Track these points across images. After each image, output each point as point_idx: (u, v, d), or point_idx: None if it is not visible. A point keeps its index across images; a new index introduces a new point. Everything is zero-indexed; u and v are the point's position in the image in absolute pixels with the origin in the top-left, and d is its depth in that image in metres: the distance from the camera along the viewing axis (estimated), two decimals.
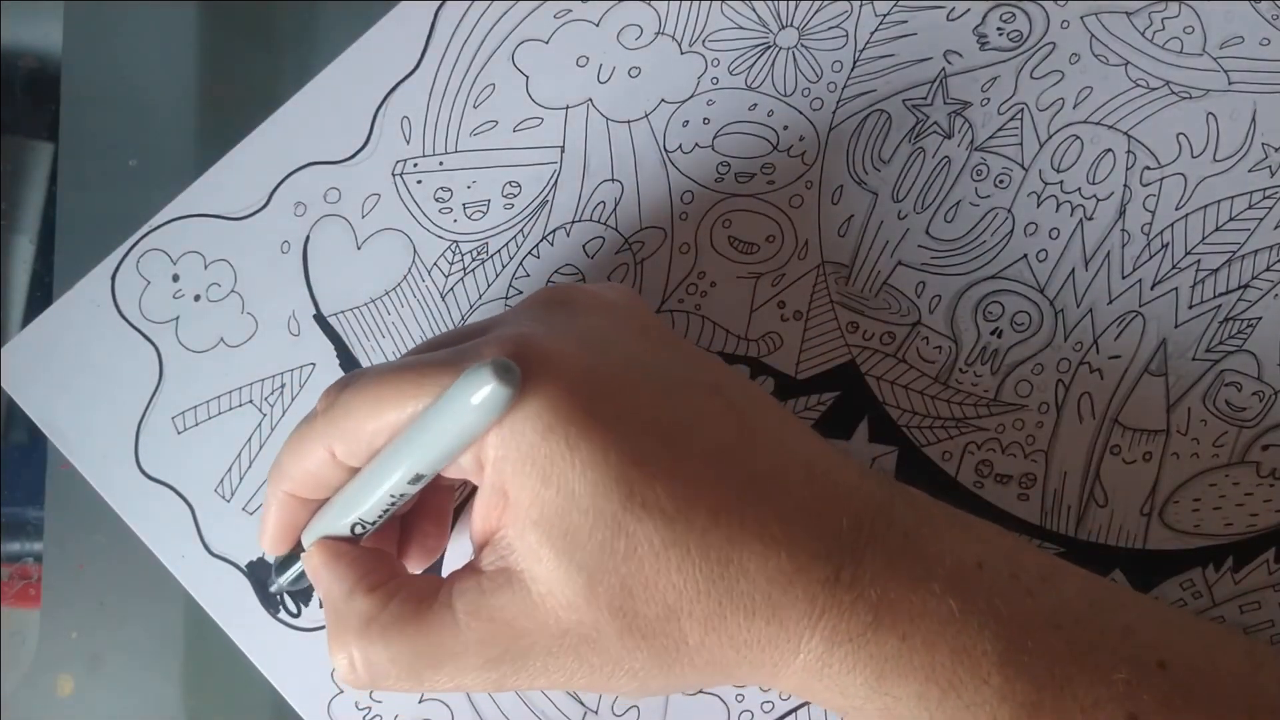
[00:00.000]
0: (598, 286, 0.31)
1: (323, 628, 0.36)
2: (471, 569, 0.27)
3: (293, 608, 0.36)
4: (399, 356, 0.36)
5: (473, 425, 0.25)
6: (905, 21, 0.36)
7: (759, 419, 0.28)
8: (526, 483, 0.25)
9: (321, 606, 0.33)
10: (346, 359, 0.37)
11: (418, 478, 0.27)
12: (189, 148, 0.40)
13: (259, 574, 0.36)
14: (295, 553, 0.31)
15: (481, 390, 0.24)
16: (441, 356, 0.27)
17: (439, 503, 0.32)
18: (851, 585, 0.26)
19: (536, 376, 0.25)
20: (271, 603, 0.36)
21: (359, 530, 0.29)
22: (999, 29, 0.36)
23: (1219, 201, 0.34)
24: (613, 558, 0.25)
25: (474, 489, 0.29)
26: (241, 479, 0.37)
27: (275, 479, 0.29)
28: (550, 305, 0.29)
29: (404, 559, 0.32)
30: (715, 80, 0.37)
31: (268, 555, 0.32)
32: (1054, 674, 0.25)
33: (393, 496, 0.27)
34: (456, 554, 0.35)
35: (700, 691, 0.34)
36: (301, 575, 0.31)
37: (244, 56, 0.41)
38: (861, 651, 0.26)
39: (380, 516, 0.28)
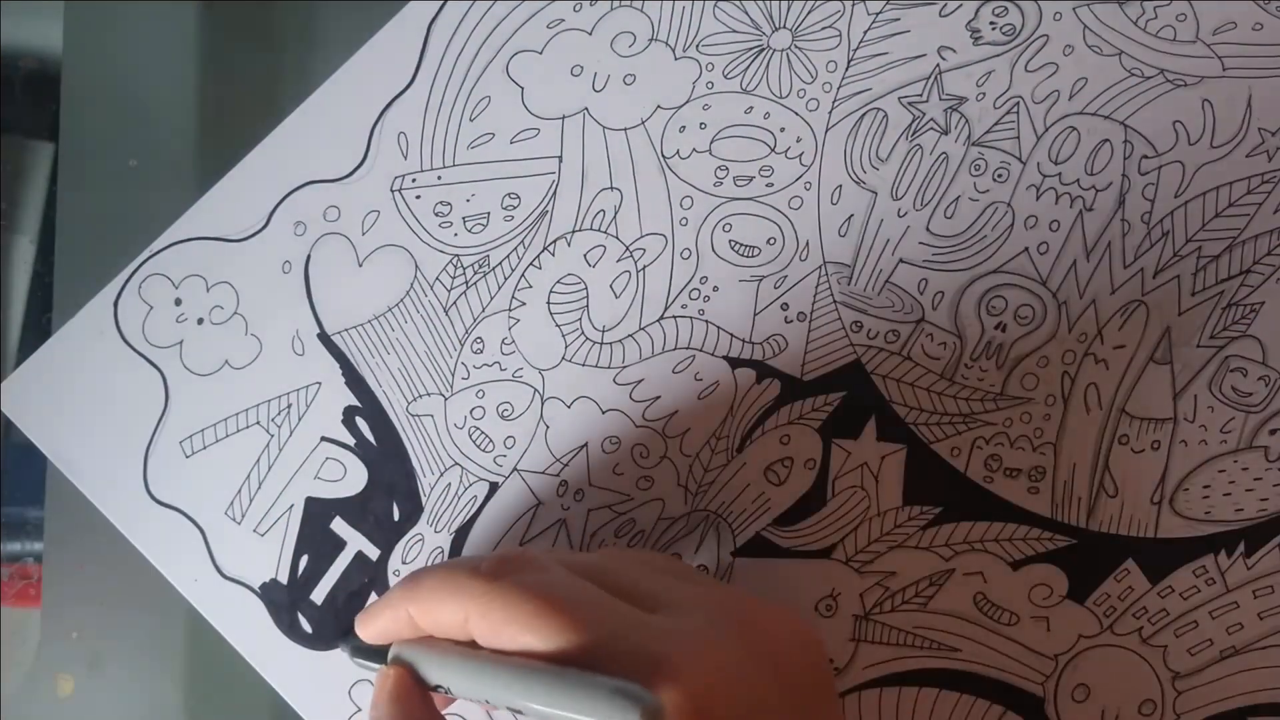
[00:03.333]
0: (797, 630, 0.30)
1: (337, 648, 0.36)
2: None
3: (307, 628, 0.36)
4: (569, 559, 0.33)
5: None
6: (898, 19, 0.36)
7: None
8: None
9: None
10: (352, 377, 0.37)
11: (517, 714, 0.26)
12: (189, 148, 0.40)
13: (272, 595, 0.36)
14: (379, 650, 0.30)
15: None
16: (624, 647, 0.26)
17: None
18: None
19: None
20: (285, 622, 0.36)
21: (442, 690, 0.28)
22: (991, 23, 0.36)
23: (1218, 188, 0.34)
24: None
25: None
26: (251, 500, 0.37)
27: (408, 597, 0.29)
28: (758, 653, 0.28)
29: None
30: (710, 85, 0.37)
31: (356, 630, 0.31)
32: None
33: (488, 701, 0.27)
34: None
35: None
36: (368, 661, 0.31)
37: (244, 56, 0.41)
38: None
39: (465, 699, 0.28)
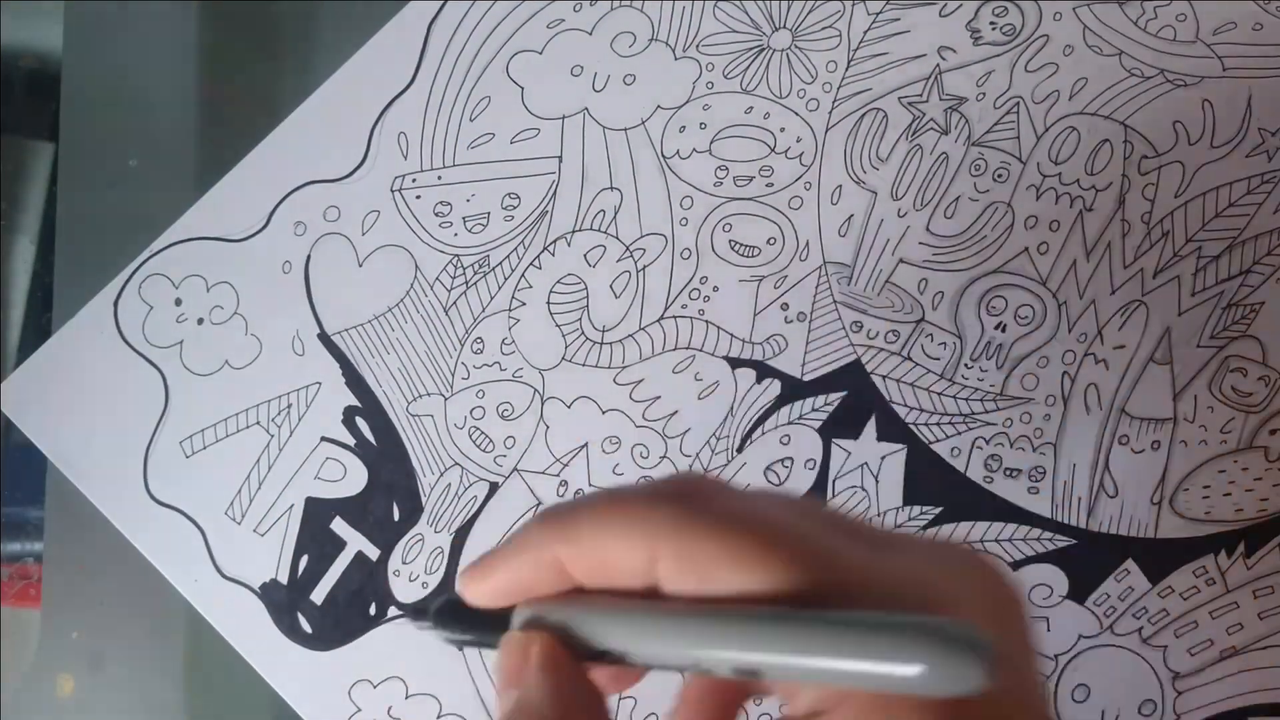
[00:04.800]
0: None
1: (338, 646, 0.36)
2: None
3: (307, 628, 0.36)
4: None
5: (896, 684, 0.17)
6: (898, 19, 0.36)
7: None
8: None
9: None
10: (352, 377, 0.37)
11: (751, 673, 0.19)
12: (189, 148, 0.40)
13: (272, 595, 0.36)
14: (495, 617, 0.21)
15: (954, 672, 0.17)
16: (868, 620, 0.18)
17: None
18: None
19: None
20: (285, 623, 0.36)
21: (610, 656, 0.20)
22: (991, 23, 0.36)
23: (1218, 188, 0.34)
24: None
25: None
26: (251, 500, 0.37)
27: (560, 535, 0.21)
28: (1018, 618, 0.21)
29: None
30: (710, 85, 0.37)
31: (459, 591, 0.22)
32: None
33: (694, 667, 0.19)
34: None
35: None
36: (466, 634, 0.22)
37: (244, 56, 0.41)
38: None
39: (654, 669, 0.20)
